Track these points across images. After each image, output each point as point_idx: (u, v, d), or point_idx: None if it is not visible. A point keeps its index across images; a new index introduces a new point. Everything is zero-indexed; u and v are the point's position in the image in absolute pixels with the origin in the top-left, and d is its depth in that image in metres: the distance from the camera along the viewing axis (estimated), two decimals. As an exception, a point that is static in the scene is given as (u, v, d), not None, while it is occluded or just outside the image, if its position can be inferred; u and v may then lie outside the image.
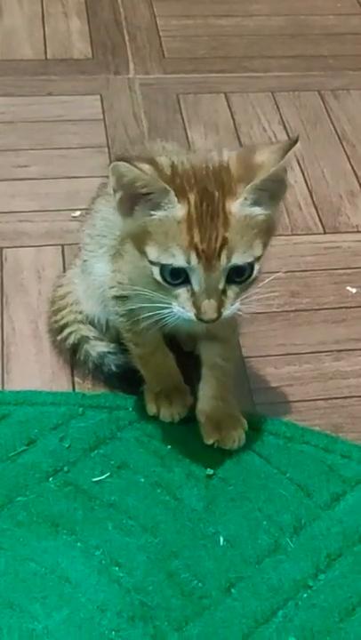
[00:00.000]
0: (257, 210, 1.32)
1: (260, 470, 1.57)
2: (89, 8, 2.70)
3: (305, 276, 1.96)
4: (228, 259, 1.30)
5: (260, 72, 2.52)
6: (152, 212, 1.31)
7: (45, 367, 1.73)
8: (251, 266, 1.33)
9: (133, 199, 1.33)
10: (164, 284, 1.33)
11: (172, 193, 1.30)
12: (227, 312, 1.33)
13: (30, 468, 1.54)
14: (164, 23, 2.67)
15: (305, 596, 1.42)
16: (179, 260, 1.30)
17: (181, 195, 1.30)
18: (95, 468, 1.55)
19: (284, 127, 2.34)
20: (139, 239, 1.35)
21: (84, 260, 1.66)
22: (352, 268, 1.98)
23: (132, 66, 2.49)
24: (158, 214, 1.31)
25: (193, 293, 1.32)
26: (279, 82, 2.49)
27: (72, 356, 1.72)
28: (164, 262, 1.31)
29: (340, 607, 1.41)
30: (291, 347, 1.80)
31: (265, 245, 1.35)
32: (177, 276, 1.32)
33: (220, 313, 1.32)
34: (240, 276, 1.33)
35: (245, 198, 1.30)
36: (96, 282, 1.62)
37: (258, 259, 1.33)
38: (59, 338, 1.72)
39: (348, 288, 1.94)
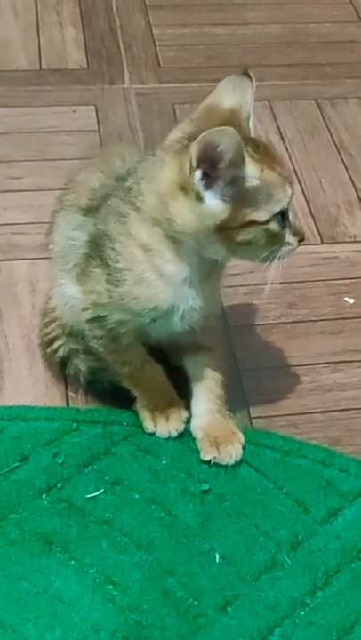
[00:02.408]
0: None
1: (257, 485, 1.55)
2: (84, 17, 2.69)
3: (302, 287, 1.94)
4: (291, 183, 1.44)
5: (257, 81, 2.48)
6: (239, 176, 1.36)
7: (39, 382, 1.71)
8: None
9: (212, 176, 1.36)
10: (281, 231, 1.43)
11: (247, 155, 1.36)
12: None
13: (23, 484, 1.52)
14: (159, 32, 2.66)
15: (302, 613, 1.39)
16: (284, 201, 1.41)
17: (246, 152, 1.37)
18: (89, 485, 1.53)
19: (281, 136, 2.33)
20: (234, 216, 1.37)
21: (54, 275, 1.64)
22: (350, 278, 1.97)
23: (127, 75, 2.48)
24: (243, 173, 1.36)
25: (290, 227, 1.45)
26: (276, 91, 2.47)
27: (62, 369, 1.70)
28: (277, 209, 1.41)
29: (338, 625, 1.38)
30: (288, 359, 1.78)
31: None
32: (282, 220, 1.43)
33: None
34: None
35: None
36: (65, 298, 1.60)
37: None
38: (49, 350, 1.70)
39: (346, 299, 1.92)
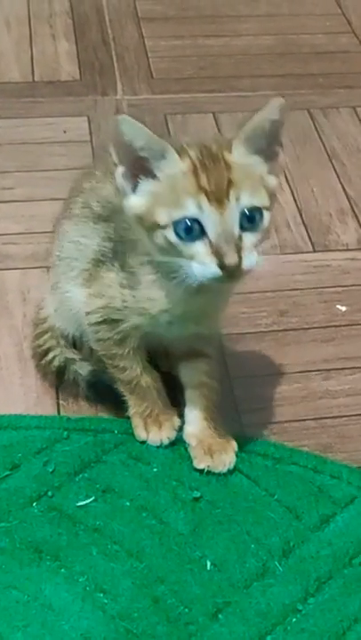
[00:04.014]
0: (256, 159, 1.35)
1: (248, 492, 1.54)
2: (77, 29, 2.69)
3: (294, 295, 1.93)
4: (238, 199, 1.31)
5: (249, 91, 2.51)
6: (156, 175, 1.33)
7: (30, 391, 1.70)
8: (260, 213, 1.34)
9: (133, 171, 1.34)
10: (179, 243, 1.32)
11: (172, 149, 1.32)
12: (247, 261, 1.32)
13: (13, 493, 1.51)
14: (152, 44, 2.66)
15: (294, 620, 1.38)
16: (191, 209, 1.30)
17: (181, 151, 1.33)
18: (80, 493, 1.52)
19: (273, 146, 2.32)
20: (147, 213, 1.34)
21: (56, 282, 1.63)
22: (342, 286, 1.96)
23: (119, 87, 2.48)
24: (163, 172, 1.33)
25: (211, 244, 1.31)
26: (268, 101, 2.46)
27: (59, 378, 1.69)
28: (176, 218, 1.31)
29: (330, 632, 1.37)
30: (279, 366, 1.78)
31: (270, 205, 1.36)
32: (191, 231, 1.31)
33: (240, 257, 1.31)
34: (252, 222, 1.33)
35: (240, 147, 1.34)
36: (68, 303, 1.60)
37: (267, 209, 1.35)
38: (43, 362, 1.70)
39: (338, 306, 1.92)
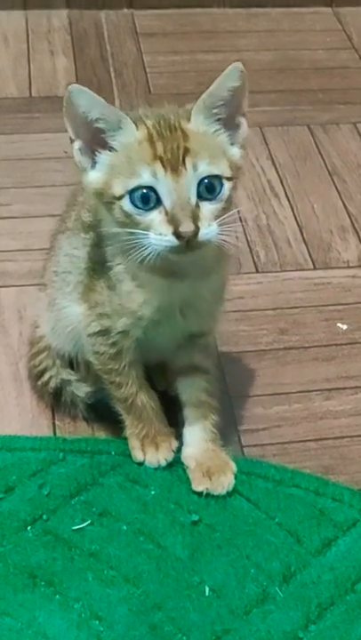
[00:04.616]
0: (217, 127, 1.33)
1: (248, 515, 1.51)
2: (75, 46, 2.68)
3: (294, 313, 1.91)
4: (194, 166, 1.29)
5: (249, 107, 2.47)
6: (113, 146, 1.31)
7: (25, 411, 1.67)
8: (220, 182, 1.31)
9: (91, 145, 1.31)
10: (135, 213, 1.29)
11: (128, 119, 1.30)
12: (204, 230, 1.29)
13: (7, 516, 1.48)
14: (150, 59, 2.65)
15: (295, 648, 1.35)
16: (145, 177, 1.28)
17: (138, 121, 1.31)
18: (75, 516, 1.49)
19: (273, 162, 2.31)
20: (105, 187, 1.31)
21: (53, 299, 1.60)
22: (343, 304, 1.93)
23: (117, 102, 2.46)
24: (119, 143, 1.30)
25: (166, 212, 1.28)
26: (268, 116, 2.45)
27: (55, 399, 1.66)
28: (131, 187, 1.29)
29: (332, 660, 1.34)
30: (280, 386, 1.75)
31: (233, 175, 1.33)
32: (147, 200, 1.29)
33: (197, 226, 1.28)
34: (211, 192, 1.30)
35: (199, 116, 1.31)
36: (65, 320, 1.57)
37: (228, 179, 1.32)
38: (39, 383, 1.67)
39: (339, 325, 1.89)
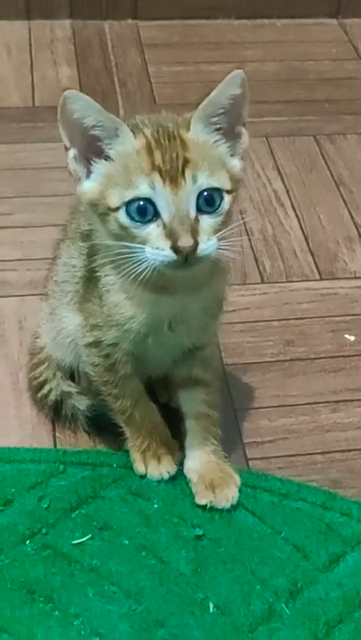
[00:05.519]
0: (217, 138, 1.29)
1: (254, 530, 1.47)
2: (79, 55, 2.66)
3: (301, 324, 1.87)
4: (194, 178, 1.24)
5: (255, 117, 2.43)
6: (109, 155, 1.27)
7: (25, 422, 1.64)
8: (220, 195, 1.27)
9: (86, 153, 1.28)
10: (132, 225, 1.25)
11: (126, 126, 1.26)
12: (204, 245, 1.25)
13: (5, 530, 1.45)
14: (155, 69, 2.63)
15: (302, 667, 1.31)
16: (143, 188, 1.24)
17: (136, 129, 1.27)
18: (76, 530, 1.45)
19: (279, 172, 2.28)
20: (100, 197, 1.27)
21: (54, 309, 1.57)
22: (350, 315, 1.90)
23: (122, 112, 2.43)
24: (116, 152, 1.26)
25: (164, 226, 1.24)
26: (274, 127, 2.43)
27: (56, 412, 1.63)
28: (128, 198, 1.24)
29: None
30: (286, 398, 1.72)
31: (233, 188, 1.29)
32: (144, 213, 1.24)
33: (196, 241, 1.23)
34: (211, 205, 1.26)
35: (198, 125, 1.27)
36: (65, 331, 1.54)
37: (228, 192, 1.28)
38: (39, 395, 1.63)
39: (346, 336, 1.86)
